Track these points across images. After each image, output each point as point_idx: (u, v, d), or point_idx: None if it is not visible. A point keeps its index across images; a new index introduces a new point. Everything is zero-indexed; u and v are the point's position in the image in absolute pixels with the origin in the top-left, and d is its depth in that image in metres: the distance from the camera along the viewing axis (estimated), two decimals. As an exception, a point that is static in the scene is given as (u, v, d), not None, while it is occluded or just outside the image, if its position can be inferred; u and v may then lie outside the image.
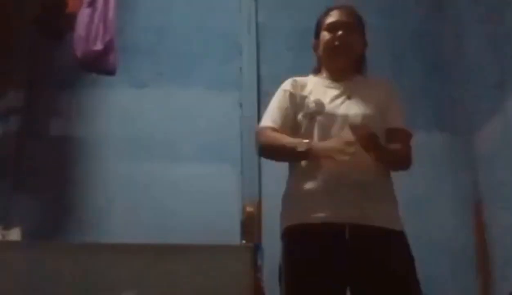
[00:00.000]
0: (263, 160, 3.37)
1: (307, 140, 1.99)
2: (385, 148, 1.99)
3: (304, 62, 3.56)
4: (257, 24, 3.62)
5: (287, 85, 2.19)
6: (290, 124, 2.11)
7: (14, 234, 2.77)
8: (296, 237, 1.98)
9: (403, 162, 2.08)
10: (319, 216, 1.94)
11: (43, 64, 3.46)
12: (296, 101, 2.13)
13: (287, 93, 2.16)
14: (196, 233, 3.03)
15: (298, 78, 2.22)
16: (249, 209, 3.20)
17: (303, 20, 3.67)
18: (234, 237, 3.01)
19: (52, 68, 3.45)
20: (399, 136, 2.08)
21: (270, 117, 2.13)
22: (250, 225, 3.13)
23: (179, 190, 3.29)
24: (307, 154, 1.97)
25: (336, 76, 2.17)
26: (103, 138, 3.39)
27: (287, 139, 2.04)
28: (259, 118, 3.44)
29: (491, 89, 3.17)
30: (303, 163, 2.03)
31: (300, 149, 1.97)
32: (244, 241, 2.95)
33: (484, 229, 3.19)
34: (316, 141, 2.00)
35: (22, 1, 3.20)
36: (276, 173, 3.37)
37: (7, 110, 3.37)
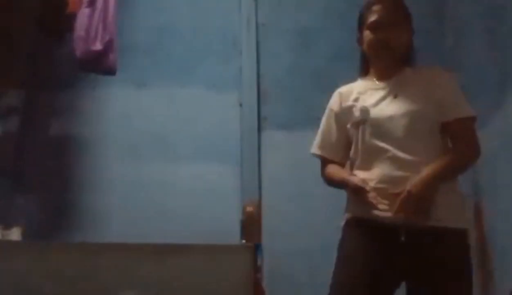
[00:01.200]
0: (263, 159, 3.39)
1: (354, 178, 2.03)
2: (435, 185, 1.95)
3: (304, 62, 3.59)
4: (257, 24, 3.62)
5: (333, 103, 2.21)
6: (342, 143, 2.15)
7: (14, 234, 2.77)
8: (355, 227, 2.04)
9: (466, 163, 2.08)
10: (378, 213, 1.95)
11: (43, 64, 3.46)
12: (344, 116, 2.15)
13: (333, 113, 2.19)
14: (196, 233, 3.03)
15: (343, 89, 2.21)
16: (249, 209, 3.20)
17: (303, 20, 3.68)
18: (234, 237, 3.01)
19: (52, 68, 3.45)
20: (455, 129, 2.05)
21: (321, 144, 2.20)
22: (250, 225, 3.13)
23: (179, 189, 3.29)
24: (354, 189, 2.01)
25: (384, 73, 2.14)
26: (103, 138, 3.39)
27: (340, 174, 2.12)
28: (259, 118, 3.48)
29: (491, 89, 3.17)
30: (359, 162, 2.07)
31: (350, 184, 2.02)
32: (244, 241, 2.95)
33: (484, 228, 3.19)
34: (358, 180, 2.00)
35: (22, 1, 3.20)
36: (276, 173, 3.40)
37: (7, 110, 3.37)
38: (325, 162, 2.20)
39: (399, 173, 1.96)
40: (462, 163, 2.06)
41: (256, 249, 2.51)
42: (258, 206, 3.24)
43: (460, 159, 2.04)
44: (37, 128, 3.38)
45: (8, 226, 2.80)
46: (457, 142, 2.06)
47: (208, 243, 2.51)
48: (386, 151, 2.00)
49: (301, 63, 3.56)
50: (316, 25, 3.57)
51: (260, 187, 3.32)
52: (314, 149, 2.23)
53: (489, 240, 3.16)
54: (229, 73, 3.53)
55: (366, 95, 2.12)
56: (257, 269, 2.47)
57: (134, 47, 3.48)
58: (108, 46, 3.01)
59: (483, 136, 3.27)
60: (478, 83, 3.33)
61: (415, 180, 1.93)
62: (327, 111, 2.23)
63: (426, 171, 1.95)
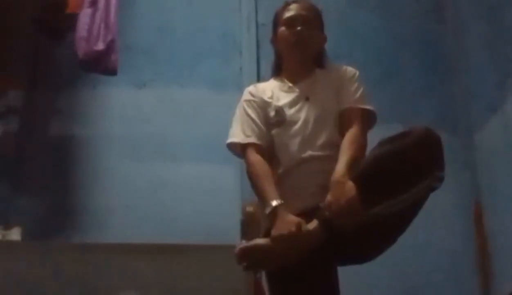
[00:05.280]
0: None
1: (278, 203, 1.89)
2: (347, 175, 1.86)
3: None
4: (257, 24, 3.62)
5: (247, 95, 2.17)
6: (264, 131, 2.08)
7: (14, 234, 2.77)
8: None
9: (362, 153, 1.98)
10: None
11: (43, 64, 3.46)
12: (263, 107, 2.11)
13: (251, 103, 2.14)
14: (196, 233, 3.03)
15: (257, 84, 2.25)
16: (249, 209, 3.20)
17: (303, 20, 3.68)
18: (234, 237, 3.01)
19: (52, 68, 3.45)
20: (349, 117, 2.03)
21: (244, 131, 2.08)
22: (250, 225, 3.13)
23: (179, 189, 3.28)
24: (270, 216, 1.90)
25: (296, 73, 2.16)
26: (103, 138, 3.39)
27: (265, 186, 1.97)
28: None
29: (491, 89, 3.17)
30: (278, 162, 2.04)
31: (266, 210, 1.92)
32: (244, 241, 2.95)
33: (484, 229, 3.19)
34: (282, 212, 1.88)
35: (22, 1, 3.20)
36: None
37: (7, 110, 3.37)
38: (247, 148, 2.05)
39: (321, 167, 1.96)
40: (360, 155, 1.97)
41: (256, 249, 2.51)
42: (258, 206, 3.24)
43: (355, 152, 1.96)
44: (37, 128, 3.38)
45: (8, 226, 2.80)
46: (349, 130, 2.00)
47: (208, 243, 2.51)
48: (305, 150, 2.00)
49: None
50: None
51: (260, 187, 3.32)
52: (238, 138, 2.08)
53: (488, 241, 3.16)
54: (229, 73, 3.53)
55: (279, 96, 2.13)
56: (257, 269, 2.47)
57: (134, 47, 3.48)
58: (110, 46, 3.02)
59: (483, 136, 3.29)
60: (478, 83, 3.33)
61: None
62: (243, 104, 2.14)
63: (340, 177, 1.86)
